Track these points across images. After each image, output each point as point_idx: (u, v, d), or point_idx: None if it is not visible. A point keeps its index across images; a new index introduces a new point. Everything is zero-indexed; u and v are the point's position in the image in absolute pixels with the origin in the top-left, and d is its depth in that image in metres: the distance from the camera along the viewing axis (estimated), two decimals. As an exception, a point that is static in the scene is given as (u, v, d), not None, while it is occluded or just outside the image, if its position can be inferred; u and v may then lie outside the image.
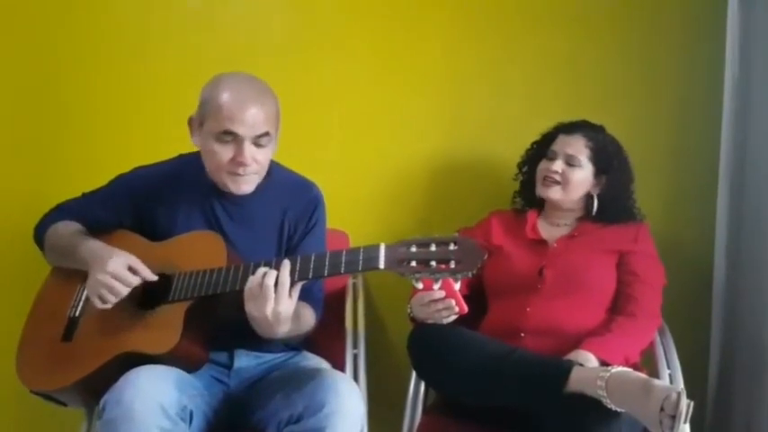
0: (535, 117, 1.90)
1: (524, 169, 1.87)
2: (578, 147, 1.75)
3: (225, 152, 1.47)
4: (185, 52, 2.01)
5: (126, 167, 1.65)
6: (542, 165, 1.79)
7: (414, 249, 1.28)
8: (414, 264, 1.28)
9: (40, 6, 2.01)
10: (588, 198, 1.78)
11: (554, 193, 1.75)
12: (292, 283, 1.35)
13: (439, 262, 1.27)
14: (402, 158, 2.05)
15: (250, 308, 1.35)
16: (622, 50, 2.02)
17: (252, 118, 1.46)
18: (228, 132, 1.45)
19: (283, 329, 1.37)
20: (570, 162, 1.74)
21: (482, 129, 2.04)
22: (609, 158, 1.76)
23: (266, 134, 1.48)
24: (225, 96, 1.46)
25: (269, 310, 1.33)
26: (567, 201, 1.77)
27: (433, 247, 1.28)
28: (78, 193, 1.67)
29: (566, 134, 1.78)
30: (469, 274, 1.27)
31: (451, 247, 1.27)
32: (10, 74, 2.02)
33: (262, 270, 1.35)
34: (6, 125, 2.03)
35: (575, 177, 1.74)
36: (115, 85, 2.02)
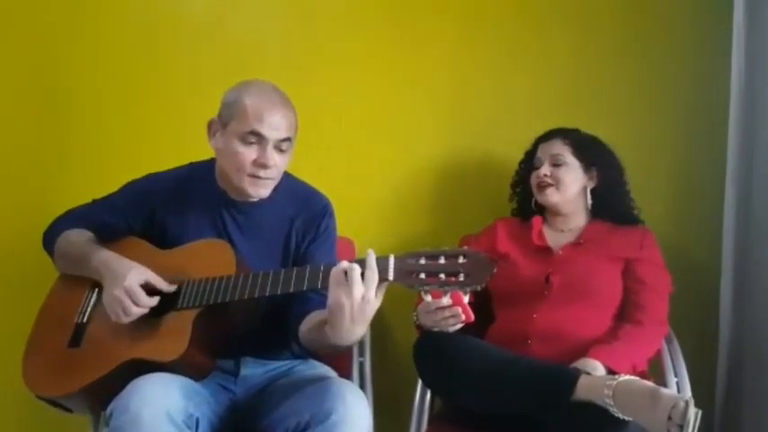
0: (541, 123, 1.90)
1: (518, 189, 1.90)
2: (558, 146, 1.79)
3: (248, 153, 1.48)
4: (192, 61, 2.02)
5: (132, 175, 1.66)
6: (533, 175, 1.82)
7: (423, 261, 1.28)
8: (422, 276, 1.27)
9: (49, 13, 2.02)
10: (586, 197, 1.80)
11: (551, 196, 1.77)
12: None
13: (448, 275, 1.26)
14: (407, 165, 2.05)
15: (338, 294, 1.27)
16: (628, 56, 2.02)
17: (278, 122, 1.48)
18: (254, 133, 1.47)
19: (360, 331, 1.31)
20: (556, 162, 1.78)
21: (487, 135, 2.04)
22: (591, 149, 1.80)
23: (288, 139, 1.51)
24: (252, 99, 1.48)
25: (358, 293, 1.26)
26: (565, 202, 1.78)
27: (443, 260, 1.27)
28: (84, 200, 1.67)
29: (544, 142, 1.83)
30: (478, 288, 1.26)
31: (461, 259, 1.27)
32: (18, 81, 2.03)
33: (344, 263, 1.30)
34: (14, 132, 2.04)
35: (564, 176, 1.77)
36: (121, 94, 2.02)
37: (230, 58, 2.02)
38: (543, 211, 1.84)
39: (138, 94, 2.03)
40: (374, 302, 1.28)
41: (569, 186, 1.77)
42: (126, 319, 1.43)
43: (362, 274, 1.27)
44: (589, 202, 1.79)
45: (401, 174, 2.05)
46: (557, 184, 1.76)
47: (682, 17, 2.00)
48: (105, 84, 2.03)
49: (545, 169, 1.78)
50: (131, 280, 1.43)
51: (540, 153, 1.82)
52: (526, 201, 1.86)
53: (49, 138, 2.04)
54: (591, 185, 1.79)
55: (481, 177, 2.04)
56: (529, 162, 1.86)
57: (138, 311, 1.43)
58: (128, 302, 1.42)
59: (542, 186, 1.78)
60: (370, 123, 2.04)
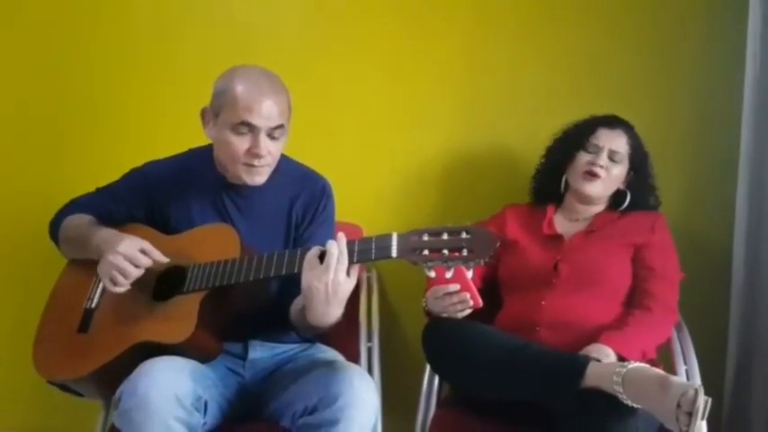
0: (552, 111, 1.89)
1: (552, 157, 1.84)
2: (621, 143, 1.76)
3: (241, 143, 1.48)
4: (201, 47, 2.02)
5: (141, 162, 1.66)
6: (584, 158, 1.76)
7: (426, 238, 1.29)
8: (426, 252, 1.28)
9: (58, 3, 2.02)
10: (614, 194, 1.78)
11: (595, 188, 1.74)
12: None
13: (451, 250, 1.27)
14: (416, 152, 2.04)
15: (309, 278, 1.31)
16: (641, 42, 2.00)
17: (268, 110, 1.47)
18: (245, 124, 1.46)
19: (337, 312, 1.34)
20: (613, 158, 1.74)
21: (497, 122, 2.03)
22: (642, 157, 1.78)
23: (281, 126, 1.50)
24: (241, 88, 1.46)
25: (329, 278, 1.30)
26: (602, 196, 1.77)
27: (445, 236, 1.28)
28: (92, 189, 1.67)
29: (608, 128, 1.77)
30: (482, 262, 1.27)
31: (463, 235, 1.28)
32: (26, 71, 2.03)
33: (316, 247, 1.34)
34: (22, 123, 2.05)
35: (615, 173, 1.75)
36: (129, 82, 2.02)
37: (240, 44, 2.01)
38: (564, 193, 1.81)
39: (149, 81, 2.02)
40: (346, 284, 1.31)
41: (614, 183, 1.76)
42: (123, 283, 1.43)
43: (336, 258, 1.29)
44: (627, 199, 1.76)
45: (411, 162, 2.04)
46: (605, 178, 1.73)
47: (696, 3, 1.98)
48: (114, 71, 2.02)
49: (603, 160, 1.73)
50: (126, 245, 1.44)
51: (600, 139, 1.75)
52: (552, 173, 1.81)
53: (56, 128, 2.04)
54: (622, 186, 1.78)
55: (491, 165, 2.02)
56: (581, 137, 1.77)
57: (136, 273, 1.43)
58: (124, 264, 1.42)
59: (592, 175, 1.73)
60: (381, 111, 2.03)
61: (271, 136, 1.49)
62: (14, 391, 2.05)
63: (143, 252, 1.45)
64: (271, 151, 1.49)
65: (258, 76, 1.50)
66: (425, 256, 1.28)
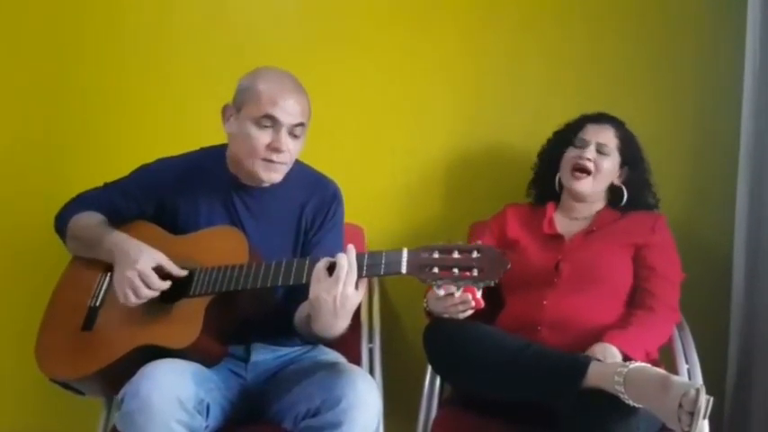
0: (554, 111, 1.89)
1: (544, 158, 1.86)
2: (609, 136, 1.76)
3: (262, 137, 1.49)
4: (201, 47, 2.01)
5: (143, 160, 1.66)
6: (571, 153, 1.77)
7: (436, 255, 1.28)
8: (436, 270, 1.27)
9: (59, 2, 2.01)
10: (609, 190, 1.78)
11: (584, 185, 1.74)
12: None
13: (462, 269, 1.26)
14: (419, 152, 2.04)
15: (317, 290, 1.31)
16: (642, 42, 2.00)
17: (291, 107, 1.49)
18: (269, 117, 1.48)
19: (344, 324, 1.34)
20: (601, 150, 1.75)
21: (500, 123, 2.03)
22: (634, 151, 1.78)
23: (302, 125, 1.51)
24: (266, 84, 1.49)
25: (338, 291, 1.29)
26: (594, 192, 1.76)
27: (456, 254, 1.27)
28: (95, 185, 1.67)
29: (595, 123, 1.78)
30: (492, 283, 1.26)
31: (474, 254, 1.27)
32: (30, 69, 2.03)
33: (324, 259, 1.33)
34: (22, 123, 2.04)
35: (605, 166, 1.74)
36: (129, 81, 2.02)
37: (240, 44, 2.01)
38: (560, 192, 1.81)
39: (149, 80, 2.02)
40: (354, 297, 1.31)
41: (604, 177, 1.75)
42: (135, 301, 1.43)
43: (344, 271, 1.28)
44: (625, 196, 1.76)
45: (413, 161, 2.04)
46: (596, 172, 1.73)
47: (698, 3, 1.98)
48: (116, 70, 2.02)
49: (591, 153, 1.74)
50: (144, 262, 1.43)
51: (587, 134, 1.76)
52: (548, 175, 1.82)
53: (60, 125, 2.04)
54: (617, 182, 1.78)
55: (494, 165, 2.02)
56: (569, 135, 1.80)
57: (148, 294, 1.43)
58: (138, 283, 1.42)
59: (580, 169, 1.74)
60: (383, 111, 2.03)
61: (292, 134, 1.50)
62: (16, 393, 2.05)
63: (159, 268, 1.44)
64: (290, 149, 1.50)
65: (282, 75, 1.53)
66: (435, 274, 1.27)
